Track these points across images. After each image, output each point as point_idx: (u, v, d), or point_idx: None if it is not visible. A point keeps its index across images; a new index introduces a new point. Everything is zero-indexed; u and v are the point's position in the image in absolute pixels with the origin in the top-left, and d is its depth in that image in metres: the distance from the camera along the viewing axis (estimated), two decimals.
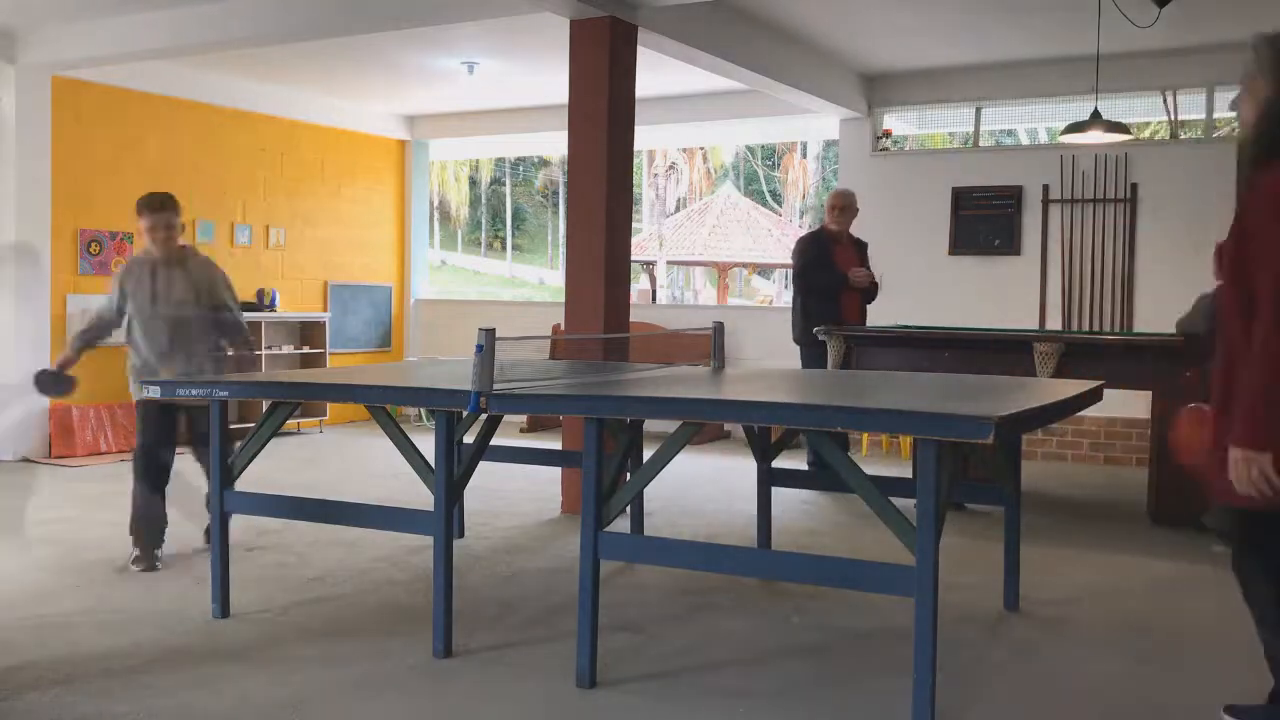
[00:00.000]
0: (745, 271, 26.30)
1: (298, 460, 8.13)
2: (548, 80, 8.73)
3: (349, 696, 3.39)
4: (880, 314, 7.73)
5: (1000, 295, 8.77)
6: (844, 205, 7.34)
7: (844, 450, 7.17)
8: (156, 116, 9.04)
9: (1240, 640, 3.46)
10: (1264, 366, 2.64)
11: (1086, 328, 8.52)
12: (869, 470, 3.47)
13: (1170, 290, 7.66)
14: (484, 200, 34.03)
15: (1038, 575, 4.75)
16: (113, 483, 7.19)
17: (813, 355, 6.92)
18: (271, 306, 9.74)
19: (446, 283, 27.38)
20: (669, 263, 23.42)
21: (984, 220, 9.00)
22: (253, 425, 4.64)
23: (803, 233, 9.81)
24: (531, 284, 31.81)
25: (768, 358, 9.23)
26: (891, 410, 3.20)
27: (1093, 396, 4.00)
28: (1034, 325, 8.54)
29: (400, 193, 11.43)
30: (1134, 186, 8.48)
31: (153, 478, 5.06)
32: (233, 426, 5.06)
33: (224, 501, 4.18)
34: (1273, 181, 2.71)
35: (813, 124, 10.51)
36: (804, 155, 28.11)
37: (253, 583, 4.62)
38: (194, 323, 5.10)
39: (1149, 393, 6.18)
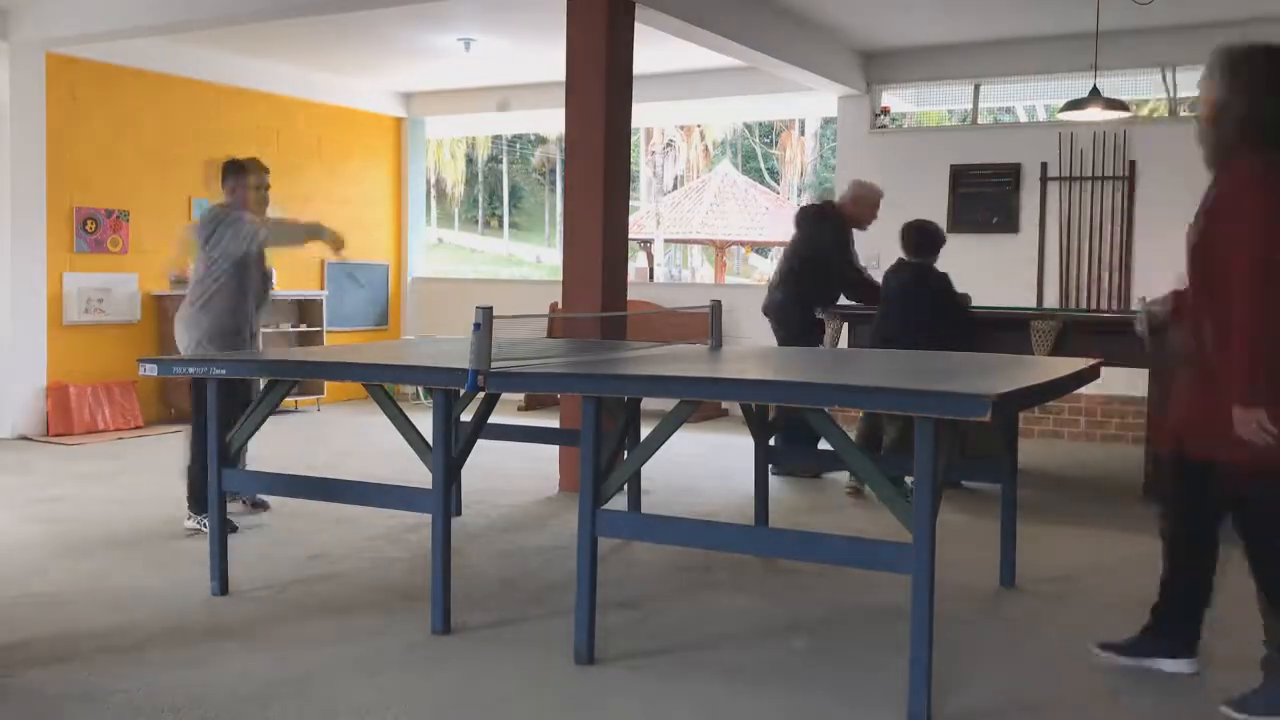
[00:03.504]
0: (743, 250, 26.26)
1: (296, 438, 8.13)
2: (545, 57, 8.69)
3: (348, 673, 3.40)
4: None
5: (998, 273, 8.74)
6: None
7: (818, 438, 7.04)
8: (152, 94, 8.99)
9: (1234, 614, 3.48)
10: (1244, 337, 3.01)
11: (1084, 305, 8.51)
12: None
13: (1168, 268, 7.63)
14: (481, 178, 33.92)
15: (1034, 552, 4.76)
16: (110, 461, 7.20)
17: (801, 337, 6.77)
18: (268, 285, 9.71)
19: (443, 261, 27.31)
20: (666, 241, 23.37)
21: (982, 198, 8.97)
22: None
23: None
24: (528, 262, 31.73)
25: (766, 336, 9.22)
26: (889, 388, 3.21)
27: (1090, 374, 4.01)
28: (1032, 303, 8.53)
29: (397, 170, 11.38)
30: (1132, 164, 8.46)
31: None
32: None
33: (222, 479, 4.19)
34: (1236, 177, 3.15)
35: (811, 101, 10.47)
36: (802, 133, 28.03)
37: (252, 560, 4.63)
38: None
39: (1145, 370, 6.18)
